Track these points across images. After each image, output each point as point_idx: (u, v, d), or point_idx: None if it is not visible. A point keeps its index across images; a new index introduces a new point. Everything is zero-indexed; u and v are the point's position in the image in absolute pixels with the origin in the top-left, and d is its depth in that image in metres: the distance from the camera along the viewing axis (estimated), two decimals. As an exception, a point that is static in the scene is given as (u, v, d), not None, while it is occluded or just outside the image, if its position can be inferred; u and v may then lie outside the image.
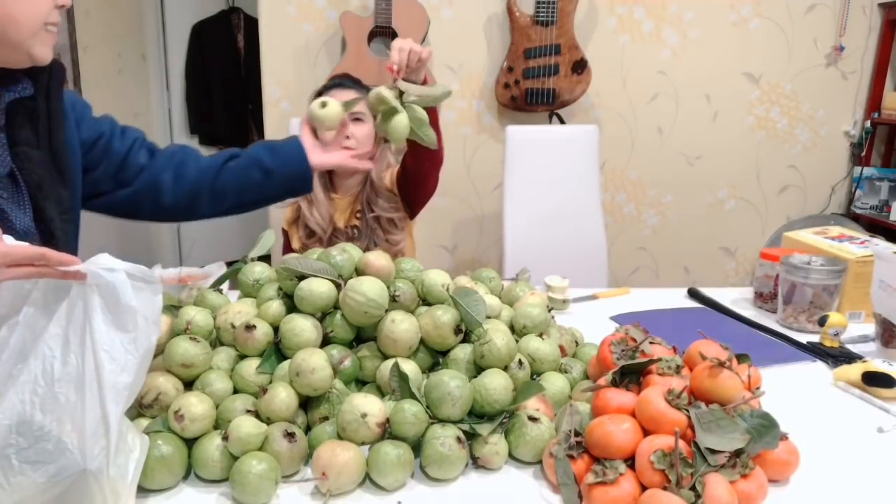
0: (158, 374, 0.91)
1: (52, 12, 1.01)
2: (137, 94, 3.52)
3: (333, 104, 1.27)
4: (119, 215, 1.28)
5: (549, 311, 1.14)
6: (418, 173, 1.62)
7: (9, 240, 0.74)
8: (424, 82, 1.37)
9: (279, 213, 1.82)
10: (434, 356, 1.02)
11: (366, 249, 1.09)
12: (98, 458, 0.72)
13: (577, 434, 0.83)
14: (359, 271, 1.04)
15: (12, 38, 0.98)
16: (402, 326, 0.96)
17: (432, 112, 1.36)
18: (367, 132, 1.65)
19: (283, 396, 0.88)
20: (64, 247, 1.06)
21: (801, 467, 0.87)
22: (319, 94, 1.71)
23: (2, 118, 1.02)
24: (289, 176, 1.29)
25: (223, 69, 3.85)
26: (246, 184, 1.28)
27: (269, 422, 0.87)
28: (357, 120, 1.64)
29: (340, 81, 1.72)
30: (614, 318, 1.45)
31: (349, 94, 1.67)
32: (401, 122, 1.24)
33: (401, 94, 1.26)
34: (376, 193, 1.69)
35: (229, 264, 1.20)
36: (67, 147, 1.12)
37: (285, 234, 1.79)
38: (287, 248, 1.79)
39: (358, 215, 1.71)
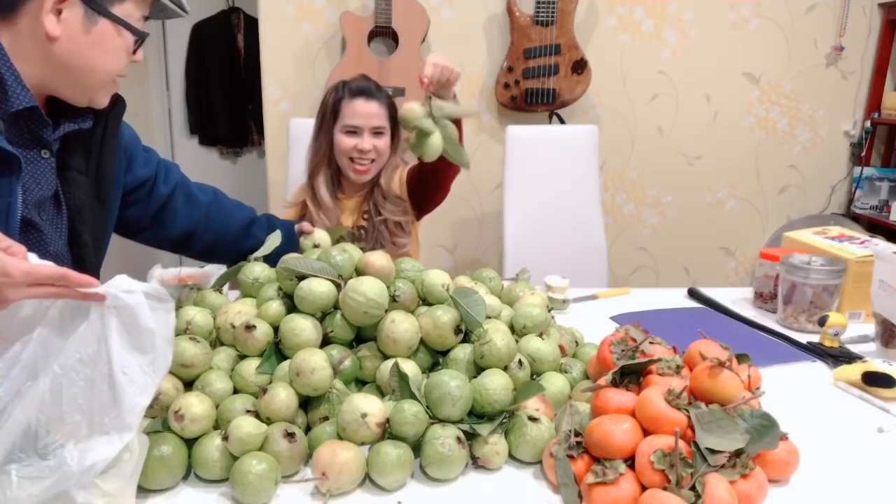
0: (158, 374, 0.91)
1: (125, 66, 1.04)
2: (137, 94, 3.51)
3: (323, 238, 1.30)
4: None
5: (549, 311, 1.14)
6: (438, 179, 1.64)
7: (33, 258, 0.74)
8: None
9: (282, 213, 1.82)
10: (434, 356, 1.02)
11: (371, 251, 1.10)
12: (97, 472, 0.72)
13: (577, 434, 0.83)
14: (359, 271, 1.04)
15: (84, 83, 1.01)
16: (402, 326, 0.96)
17: (458, 125, 1.38)
18: (388, 144, 1.68)
19: (283, 396, 0.88)
20: (91, 271, 1.08)
21: (801, 467, 0.87)
22: (339, 95, 1.68)
23: (56, 144, 1.04)
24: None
25: (223, 69, 3.84)
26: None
27: (269, 422, 0.87)
28: (378, 133, 1.66)
29: (367, 86, 1.67)
30: (614, 318, 1.45)
31: (371, 106, 1.65)
32: (435, 141, 1.29)
33: (431, 110, 1.28)
34: (384, 196, 1.70)
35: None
36: (112, 178, 1.15)
37: (288, 233, 1.79)
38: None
39: (365, 216, 1.72)
